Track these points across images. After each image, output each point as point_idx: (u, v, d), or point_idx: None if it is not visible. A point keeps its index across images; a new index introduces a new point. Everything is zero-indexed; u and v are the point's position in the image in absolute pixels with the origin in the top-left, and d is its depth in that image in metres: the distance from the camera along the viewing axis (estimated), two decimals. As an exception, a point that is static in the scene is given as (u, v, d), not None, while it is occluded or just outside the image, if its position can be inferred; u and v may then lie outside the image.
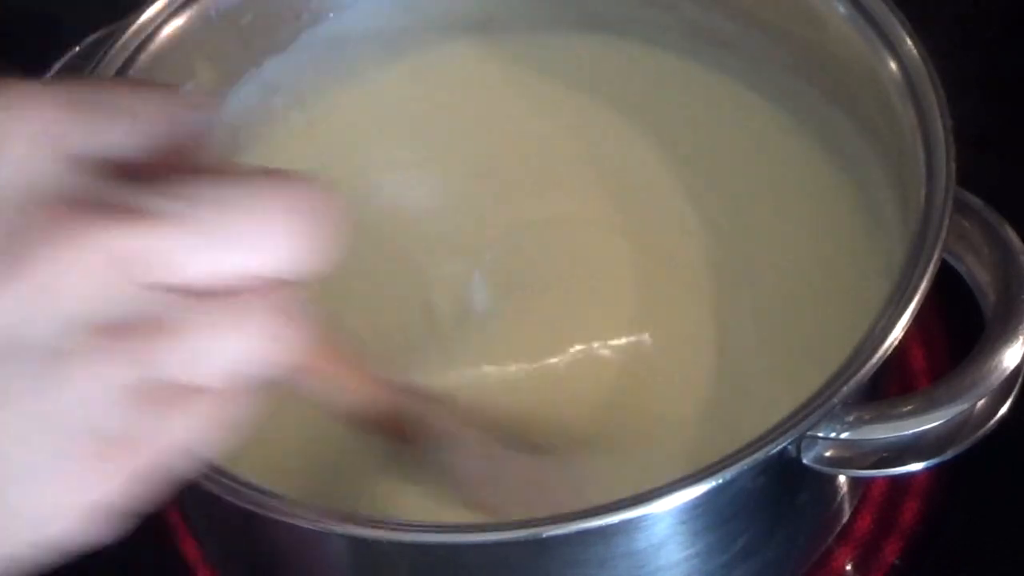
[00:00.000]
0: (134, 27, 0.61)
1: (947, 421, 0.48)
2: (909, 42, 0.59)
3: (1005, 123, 0.75)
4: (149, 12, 0.61)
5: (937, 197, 0.53)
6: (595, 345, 0.62)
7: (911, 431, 0.48)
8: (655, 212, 0.66)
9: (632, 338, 0.62)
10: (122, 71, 0.60)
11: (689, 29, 0.68)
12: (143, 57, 0.61)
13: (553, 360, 0.62)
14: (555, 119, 0.69)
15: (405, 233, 0.65)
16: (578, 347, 0.62)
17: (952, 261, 0.53)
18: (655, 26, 0.69)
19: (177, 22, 0.62)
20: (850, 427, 0.48)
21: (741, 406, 0.59)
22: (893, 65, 0.59)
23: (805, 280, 0.62)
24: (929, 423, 0.48)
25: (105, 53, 0.60)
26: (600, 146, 0.68)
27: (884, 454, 0.49)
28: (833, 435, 0.48)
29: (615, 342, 0.62)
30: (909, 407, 0.49)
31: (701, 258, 0.64)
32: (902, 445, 0.49)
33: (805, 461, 0.49)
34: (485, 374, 0.61)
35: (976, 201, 0.54)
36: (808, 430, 0.47)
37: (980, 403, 0.49)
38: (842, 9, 0.62)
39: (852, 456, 0.49)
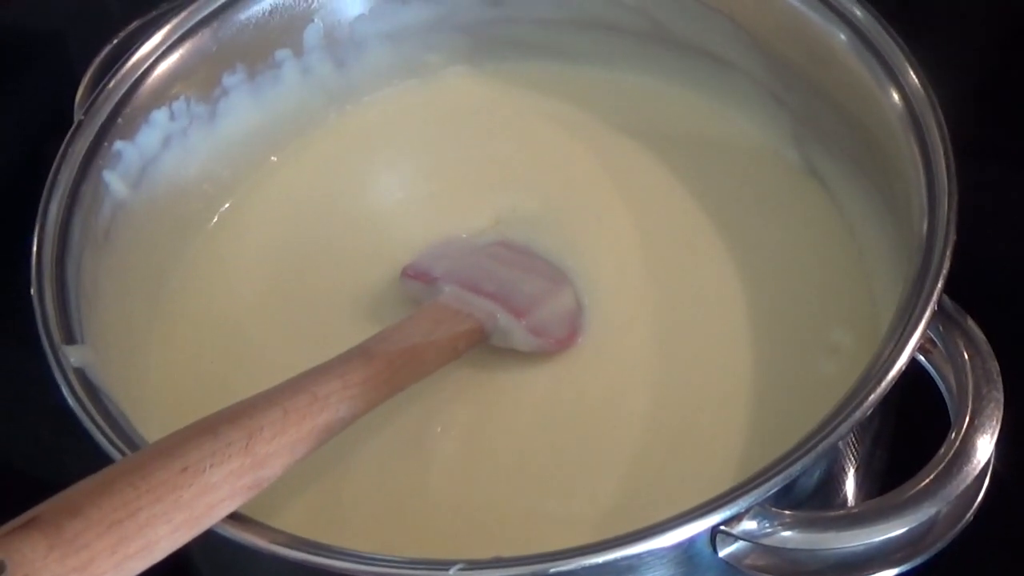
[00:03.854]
0: (136, 56, 0.61)
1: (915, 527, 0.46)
2: (912, 72, 0.59)
3: (1000, 135, 0.75)
4: (151, 42, 0.61)
5: (939, 235, 0.53)
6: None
7: (880, 537, 0.46)
8: (657, 222, 0.66)
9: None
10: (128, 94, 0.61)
11: (690, 57, 0.69)
12: (149, 80, 0.61)
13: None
14: (562, 146, 0.69)
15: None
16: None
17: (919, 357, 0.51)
18: (656, 57, 0.70)
19: (177, 52, 0.62)
20: (784, 529, 0.46)
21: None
22: (895, 96, 0.59)
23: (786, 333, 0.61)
24: (898, 528, 0.46)
25: (108, 82, 0.61)
26: (607, 168, 0.68)
27: (836, 562, 0.47)
28: (761, 535, 0.46)
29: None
30: (874, 511, 0.47)
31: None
32: (867, 552, 0.47)
33: (720, 555, 0.47)
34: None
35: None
36: (720, 524, 0.46)
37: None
38: (843, 36, 0.62)
39: (786, 563, 0.47)
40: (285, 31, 0.66)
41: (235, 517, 0.46)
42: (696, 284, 0.63)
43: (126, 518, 0.42)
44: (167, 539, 0.44)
